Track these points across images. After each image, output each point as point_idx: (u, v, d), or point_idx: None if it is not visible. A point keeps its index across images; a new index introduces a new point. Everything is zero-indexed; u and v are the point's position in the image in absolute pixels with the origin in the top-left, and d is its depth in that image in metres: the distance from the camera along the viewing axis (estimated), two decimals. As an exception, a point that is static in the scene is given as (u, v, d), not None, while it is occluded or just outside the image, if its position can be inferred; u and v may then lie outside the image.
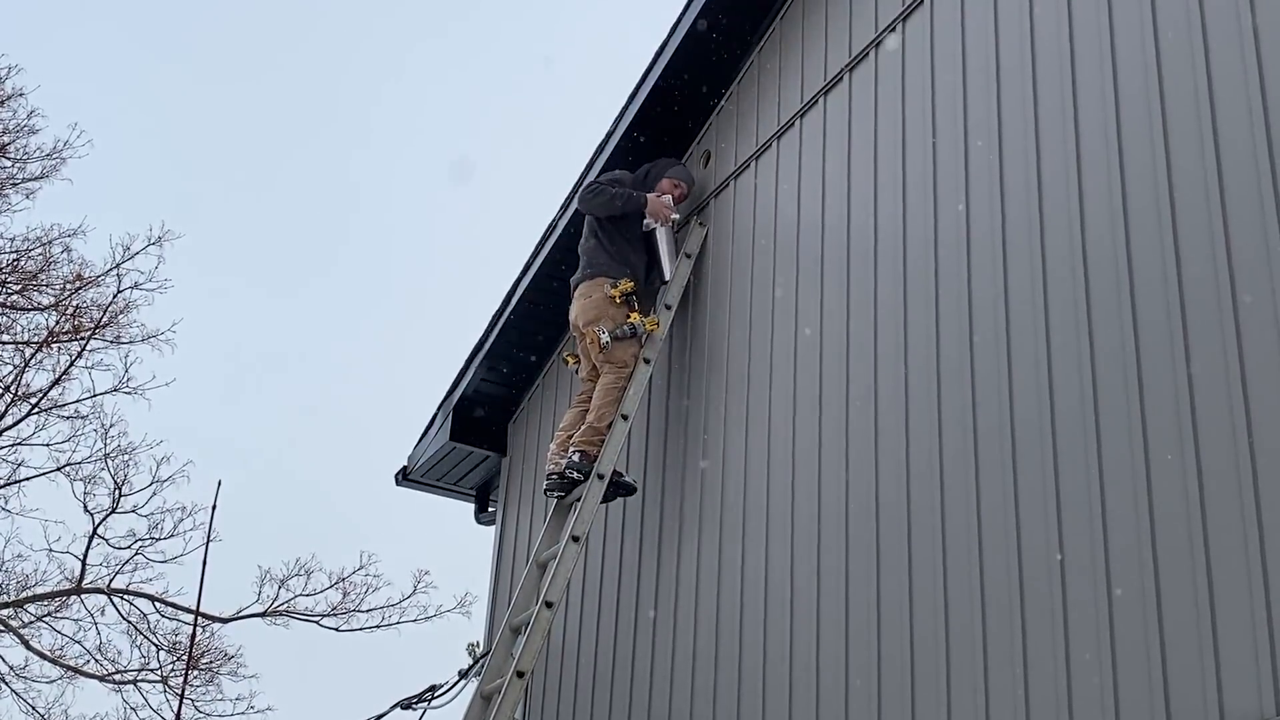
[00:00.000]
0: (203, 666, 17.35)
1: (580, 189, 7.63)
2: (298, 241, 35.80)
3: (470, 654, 8.16)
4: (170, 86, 34.65)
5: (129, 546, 17.27)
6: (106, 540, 17.23)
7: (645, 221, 7.51)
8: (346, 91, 38.53)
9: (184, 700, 16.80)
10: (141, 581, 17.36)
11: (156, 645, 17.26)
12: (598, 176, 7.72)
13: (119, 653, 17.34)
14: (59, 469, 17.20)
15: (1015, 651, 4.88)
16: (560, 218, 8.30)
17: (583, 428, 7.16)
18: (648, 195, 7.52)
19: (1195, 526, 4.39)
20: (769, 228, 7.09)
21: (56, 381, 17.15)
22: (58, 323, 17.26)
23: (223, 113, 35.75)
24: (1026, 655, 4.84)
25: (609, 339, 7.17)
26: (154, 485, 17.29)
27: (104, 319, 17.24)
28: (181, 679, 16.87)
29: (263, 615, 17.67)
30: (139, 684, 17.26)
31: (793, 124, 7.09)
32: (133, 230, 21.58)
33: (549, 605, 6.66)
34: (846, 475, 5.96)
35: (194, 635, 16.92)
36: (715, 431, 7.02)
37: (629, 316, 7.26)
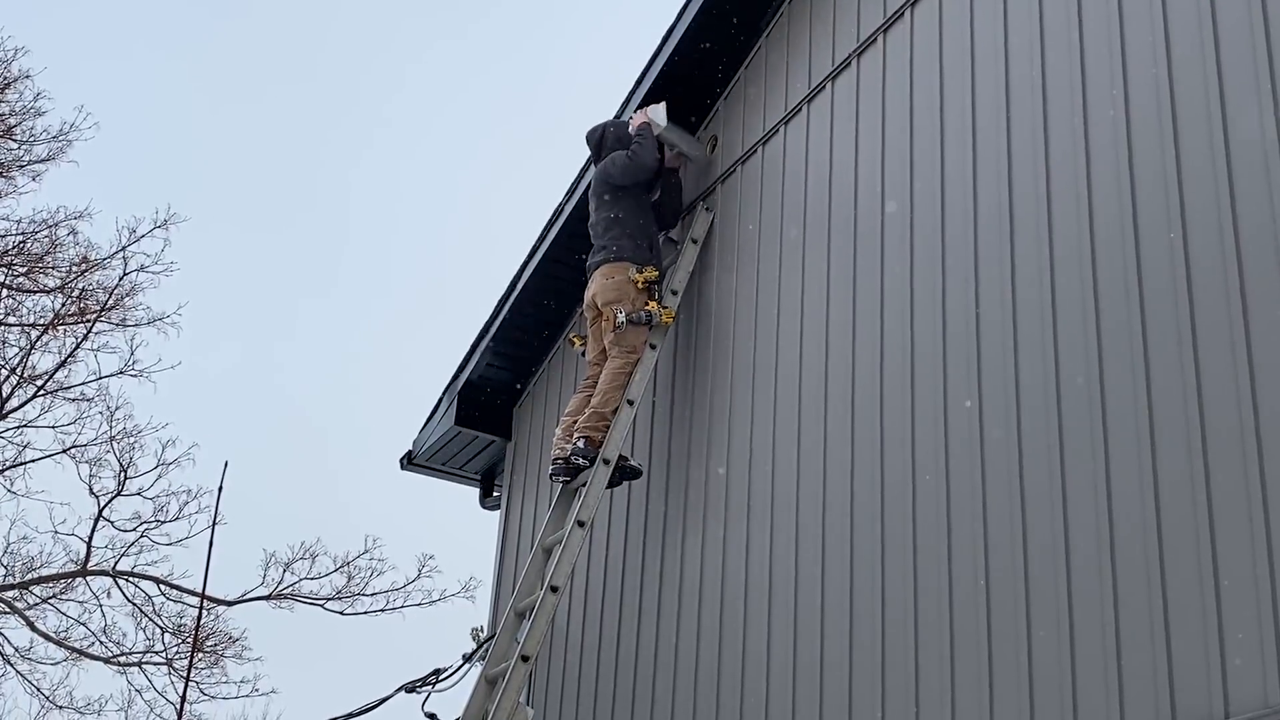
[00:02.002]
0: (207, 649, 17.38)
1: (618, 165, 7.52)
2: (303, 226, 35.82)
3: (474, 638, 8.16)
4: (175, 71, 34.65)
5: (134, 529, 17.30)
6: (112, 523, 17.26)
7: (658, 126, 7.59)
8: (356, 82, 38.54)
9: (189, 683, 16.83)
10: (146, 564, 17.40)
11: (161, 628, 17.30)
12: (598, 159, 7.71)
13: (124, 635, 17.38)
14: (64, 451, 17.23)
15: (1020, 639, 4.88)
16: (566, 203, 8.29)
17: (587, 412, 7.15)
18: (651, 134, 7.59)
19: (1202, 523, 4.39)
20: (775, 213, 7.08)
21: (62, 364, 17.17)
22: (63, 305, 17.27)
23: (228, 97, 35.74)
24: (1031, 644, 4.84)
25: (625, 320, 7.17)
26: (159, 468, 17.34)
27: (110, 302, 17.26)
28: (186, 661, 16.91)
29: (267, 598, 17.70)
30: (144, 666, 17.30)
31: (800, 109, 7.08)
32: (139, 213, 21.60)
33: (554, 590, 6.66)
34: (852, 461, 5.96)
35: (199, 618, 16.95)
36: (720, 417, 7.02)
37: (648, 304, 7.26)
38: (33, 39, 26.72)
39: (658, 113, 7.62)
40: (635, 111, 7.73)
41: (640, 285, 7.29)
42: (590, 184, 7.78)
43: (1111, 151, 5.13)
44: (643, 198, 7.56)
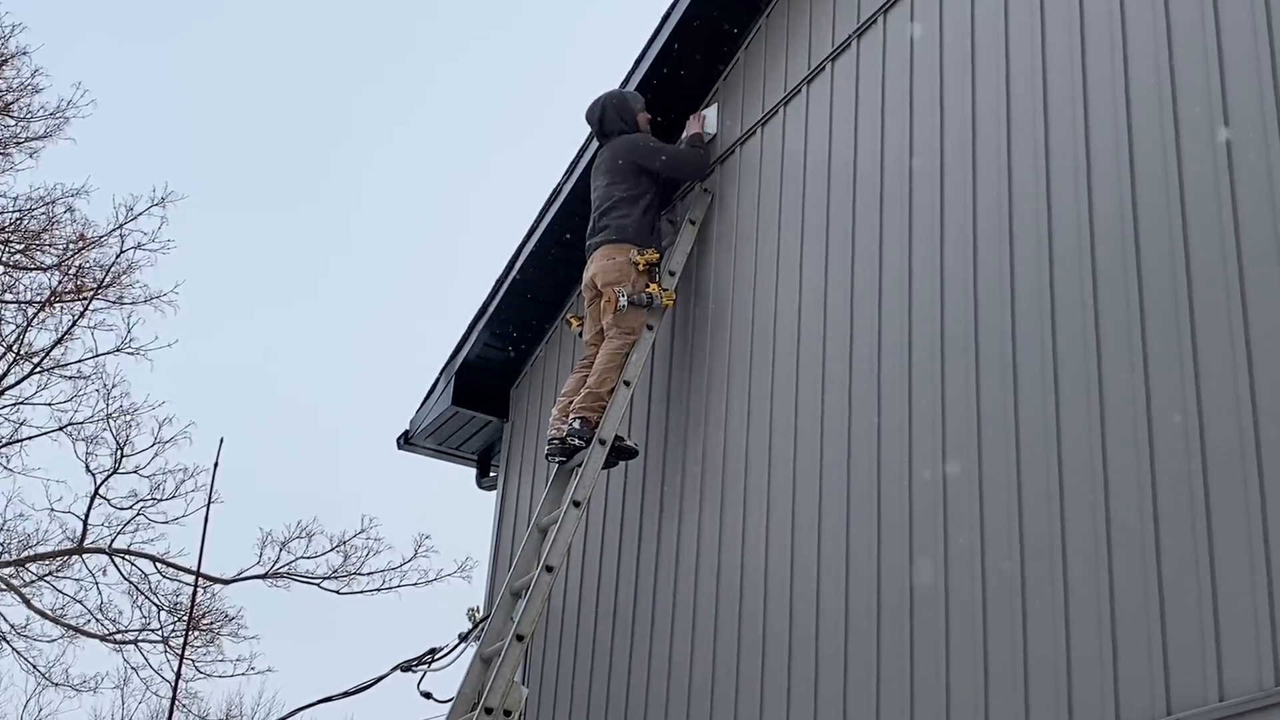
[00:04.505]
0: (203, 627, 17.44)
1: (674, 159, 7.55)
2: (301, 207, 35.77)
3: (470, 618, 8.17)
4: (174, 48, 34.57)
5: (130, 507, 17.34)
6: (108, 500, 17.29)
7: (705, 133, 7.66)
8: (353, 60, 38.47)
9: (184, 661, 16.88)
10: (143, 542, 17.45)
11: (157, 606, 17.35)
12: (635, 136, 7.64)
13: (120, 613, 17.44)
14: (61, 429, 17.25)
15: (1015, 621, 4.88)
16: (565, 183, 8.28)
17: (583, 393, 7.14)
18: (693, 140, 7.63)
19: (1199, 510, 4.39)
20: (774, 194, 7.07)
21: (59, 341, 17.18)
22: (60, 283, 17.27)
23: (229, 78, 35.68)
24: (1026, 626, 4.84)
25: (626, 302, 7.16)
26: (156, 446, 17.36)
27: (106, 279, 17.25)
28: (182, 639, 16.94)
29: (264, 577, 17.74)
30: (140, 644, 17.35)
31: (799, 90, 7.06)
32: (136, 191, 21.57)
33: (549, 569, 6.67)
34: (849, 442, 5.96)
35: (195, 596, 17.00)
36: (718, 397, 7.02)
37: (649, 286, 7.25)
38: (30, 15, 26.68)
39: (710, 121, 7.62)
40: (689, 118, 7.72)
41: (642, 267, 7.28)
42: (592, 161, 7.76)
43: (1111, 130, 5.12)
44: (650, 179, 7.53)
